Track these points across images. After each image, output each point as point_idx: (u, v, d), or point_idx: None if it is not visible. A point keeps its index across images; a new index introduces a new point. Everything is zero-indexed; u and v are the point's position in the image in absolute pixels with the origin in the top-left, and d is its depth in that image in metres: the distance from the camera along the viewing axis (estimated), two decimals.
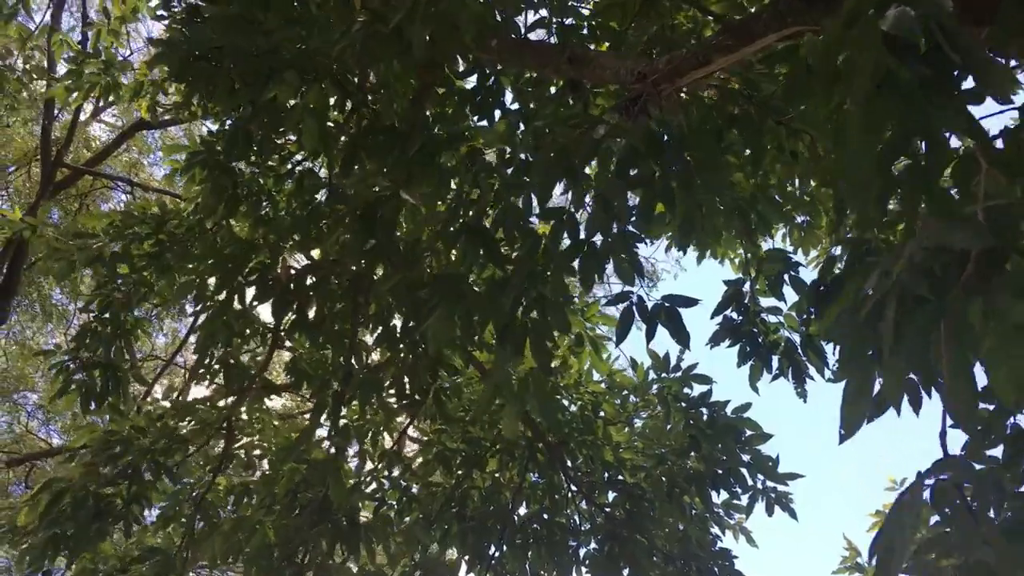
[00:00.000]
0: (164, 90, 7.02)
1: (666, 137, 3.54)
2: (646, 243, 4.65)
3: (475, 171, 3.38)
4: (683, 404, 6.33)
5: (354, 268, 6.39)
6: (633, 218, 3.68)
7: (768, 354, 4.97)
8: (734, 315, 4.92)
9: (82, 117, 10.30)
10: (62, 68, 7.19)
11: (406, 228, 4.35)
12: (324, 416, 5.97)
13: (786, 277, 4.60)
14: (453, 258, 3.83)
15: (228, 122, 6.65)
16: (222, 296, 6.24)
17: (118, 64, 6.74)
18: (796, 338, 4.99)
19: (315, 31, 4.48)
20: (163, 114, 7.57)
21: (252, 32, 4.98)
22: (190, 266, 6.63)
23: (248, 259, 6.22)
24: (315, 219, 6.35)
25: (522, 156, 3.28)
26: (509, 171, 3.40)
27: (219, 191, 6.63)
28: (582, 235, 3.60)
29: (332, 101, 5.40)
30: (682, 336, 3.53)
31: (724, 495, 6.80)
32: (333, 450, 6.01)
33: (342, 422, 6.22)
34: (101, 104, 10.09)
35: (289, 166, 6.96)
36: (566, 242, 3.63)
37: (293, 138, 6.90)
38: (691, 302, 3.54)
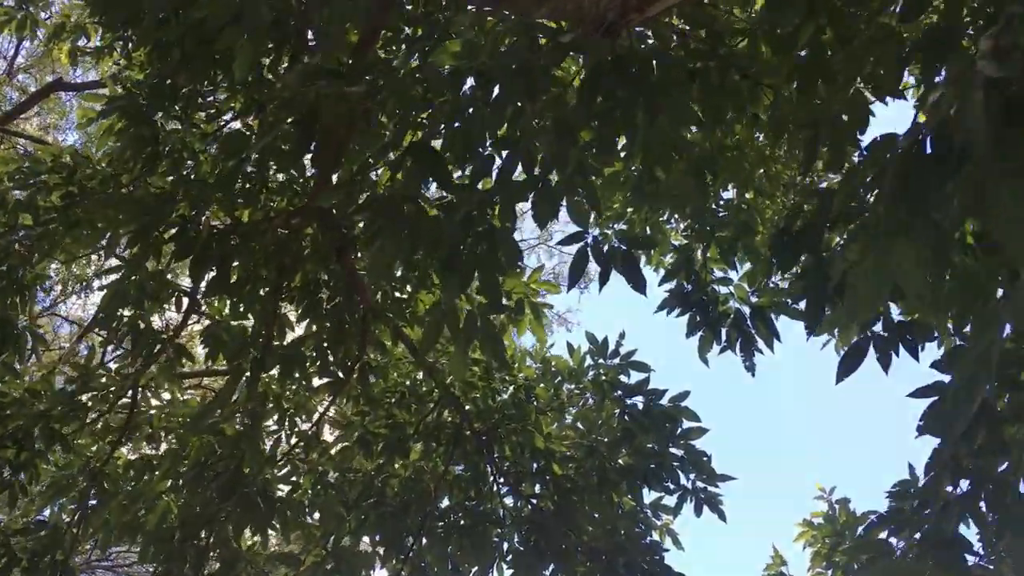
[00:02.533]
0: (87, 33, 6.56)
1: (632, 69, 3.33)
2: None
3: (425, 87, 3.10)
4: (619, 392, 6.10)
5: (281, 231, 6.03)
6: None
7: (718, 325, 4.78)
8: (684, 283, 4.73)
9: None
10: None
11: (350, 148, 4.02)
12: (240, 383, 5.56)
13: (740, 244, 4.43)
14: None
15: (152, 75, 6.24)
16: (135, 250, 5.80)
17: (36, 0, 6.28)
18: (746, 310, 4.83)
19: None
20: (85, 64, 7.09)
21: None
22: (100, 224, 6.15)
23: (166, 214, 5.79)
24: (242, 178, 5.98)
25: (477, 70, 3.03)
26: (463, 89, 3.14)
27: (138, 144, 6.20)
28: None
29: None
30: (638, 282, 3.31)
31: (654, 494, 6.62)
32: (248, 420, 5.59)
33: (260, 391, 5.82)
34: (15, 49, 9.55)
35: (217, 125, 6.58)
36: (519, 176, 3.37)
37: (223, 97, 6.52)
38: (649, 245, 3.32)
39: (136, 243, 5.83)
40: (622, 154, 4.25)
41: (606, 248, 3.34)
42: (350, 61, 4.71)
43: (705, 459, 6.41)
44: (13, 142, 9.46)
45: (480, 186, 3.17)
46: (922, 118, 1.72)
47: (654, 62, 3.33)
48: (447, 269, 2.96)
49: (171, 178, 6.24)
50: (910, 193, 1.57)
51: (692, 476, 6.53)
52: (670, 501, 6.60)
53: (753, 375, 4.81)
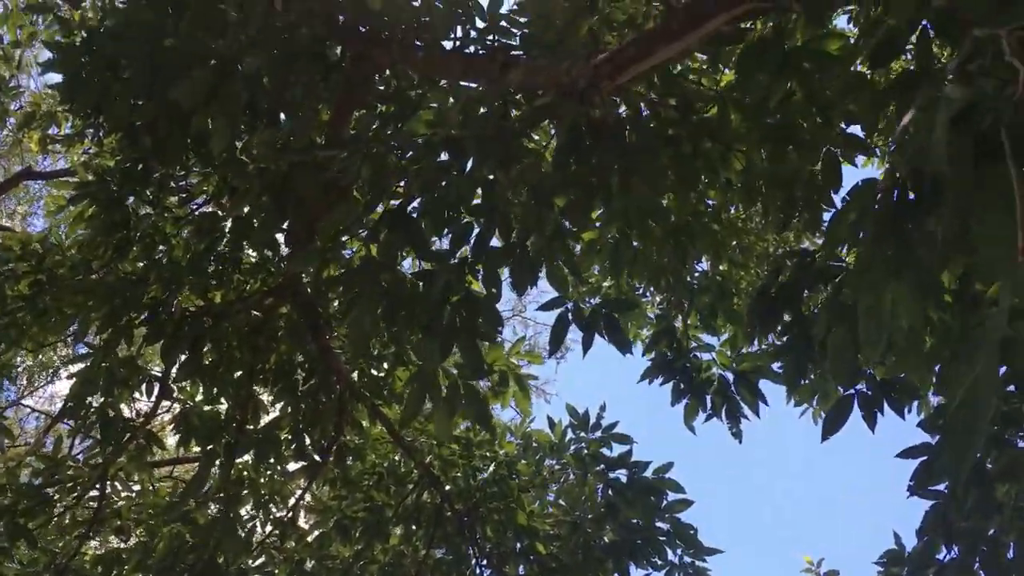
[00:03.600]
0: (57, 122, 6.56)
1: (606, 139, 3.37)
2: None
3: (399, 155, 3.09)
4: (602, 466, 6.00)
5: (255, 312, 5.95)
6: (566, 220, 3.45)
7: (702, 392, 4.74)
8: (666, 351, 4.70)
9: None
10: None
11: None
12: (212, 469, 5.40)
13: (719, 310, 4.42)
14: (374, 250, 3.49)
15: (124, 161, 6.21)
16: (105, 336, 5.69)
17: (7, 89, 6.28)
18: (729, 376, 4.79)
19: (229, 35, 4.18)
20: (55, 152, 7.07)
21: (158, 35, 4.65)
22: (69, 311, 6.04)
23: (137, 298, 5.70)
24: (214, 259, 5.93)
25: (452, 133, 3.03)
26: (438, 157, 3.14)
27: (109, 229, 6.14)
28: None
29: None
30: (622, 343, 3.27)
31: (641, 572, 6.46)
32: (222, 507, 5.41)
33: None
34: None
35: (190, 209, 6.54)
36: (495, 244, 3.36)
37: (195, 181, 6.50)
38: (631, 305, 3.29)
39: (106, 328, 5.73)
40: (597, 223, 4.26)
41: (588, 312, 3.31)
42: (322, 140, 4.75)
43: (692, 532, 6.29)
44: None
45: (458, 254, 3.15)
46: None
47: (627, 128, 3.36)
48: (427, 336, 2.91)
49: (142, 263, 6.18)
50: (894, 232, 1.57)
51: (679, 551, 6.40)
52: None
53: (740, 441, 4.75)
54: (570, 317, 3.32)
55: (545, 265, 3.30)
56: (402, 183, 3.21)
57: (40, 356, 10.00)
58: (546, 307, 3.38)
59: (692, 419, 4.86)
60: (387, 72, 4.61)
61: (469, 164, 3.06)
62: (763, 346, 4.55)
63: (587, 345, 3.29)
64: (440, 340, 2.92)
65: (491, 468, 6.28)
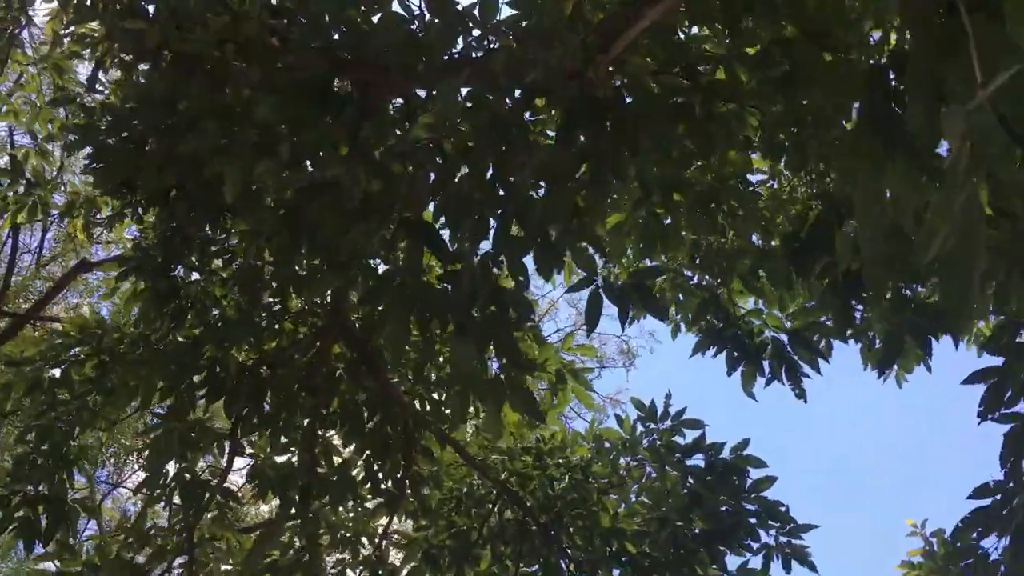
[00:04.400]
0: (97, 207, 6.76)
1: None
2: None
3: (404, 158, 3.10)
4: (678, 455, 5.88)
5: (305, 360, 6.00)
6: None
7: (757, 357, 4.61)
8: (714, 321, 4.59)
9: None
10: None
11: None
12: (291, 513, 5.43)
13: (761, 271, 4.31)
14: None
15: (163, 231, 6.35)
16: (169, 401, 5.80)
17: (45, 183, 6.51)
18: (783, 337, 4.66)
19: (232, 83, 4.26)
20: (98, 234, 7.30)
21: (173, 100, 4.77)
22: (133, 383, 6.18)
23: (194, 360, 5.81)
24: (262, 310, 6.01)
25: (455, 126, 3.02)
26: (440, 158, 3.13)
27: (159, 300, 6.27)
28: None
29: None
30: (657, 309, 3.20)
31: (738, 560, 6.28)
32: (304, 551, 5.43)
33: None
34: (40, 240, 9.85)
35: (235, 267, 6.65)
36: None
37: (235, 241, 6.61)
38: (657, 272, 3.23)
39: (168, 395, 5.85)
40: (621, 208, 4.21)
41: (617, 286, 3.26)
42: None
43: (782, 509, 6.11)
44: (46, 328, 9.70)
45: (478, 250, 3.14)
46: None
47: (627, 99, 3.31)
48: (458, 336, 2.89)
49: (198, 329, 6.29)
50: (882, 114, 1.49)
51: (773, 532, 6.23)
52: (756, 562, 6.29)
53: (805, 401, 4.61)
54: (602, 294, 3.26)
55: (569, 247, 3.26)
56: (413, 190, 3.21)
57: (122, 438, 10.26)
58: (575, 288, 3.34)
59: (751, 386, 4.73)
60: (394, 95, 4.63)
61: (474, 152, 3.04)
62: (809, 303, 4.41)
63: (623, 317, 3.23)
64: (474, 338, 2.89)
65: (567, 475, 6.20)
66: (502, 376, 3.20)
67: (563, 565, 6.52)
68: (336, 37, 4.40)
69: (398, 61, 4.17)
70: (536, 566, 6.59)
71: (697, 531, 6.18)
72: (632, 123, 3.19)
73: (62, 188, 6.75)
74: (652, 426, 5.99)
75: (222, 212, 5.88)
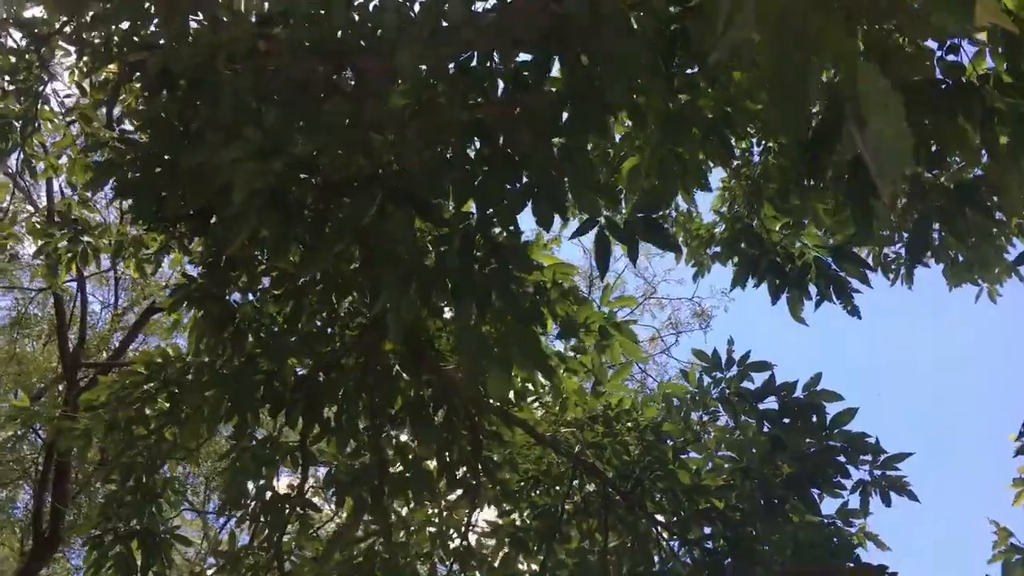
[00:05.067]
0: (145, 243, 6.92)
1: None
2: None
3: (382, 126, 3.01)
4: (750, 401, 5.66)
5: (358, 360, 5.99)
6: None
7: (801, 281, 4.38)
8: (750, 251, 4.38)
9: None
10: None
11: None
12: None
13: (791, 191, 4.09)
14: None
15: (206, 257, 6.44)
16: (234, 423, 5.88)
17: (92, 229, 6.69)
18: (825, 256, 4.41)
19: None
20: (152, 270, 7.47)
21: (184, 125, 4.82)
22: (201, 410, 6.29)
23: (251, 377, 5.87)
24: (308, 319, 6.03)
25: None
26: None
27: (217, 326, 6.36)
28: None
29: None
30: (669, 242, 3.05)
31: (834, 504, 6.02)
32: (381, 548, 5.43)
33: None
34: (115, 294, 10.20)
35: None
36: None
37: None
38: (660, 201, 3.07)
39: (232, 416, 5.93)
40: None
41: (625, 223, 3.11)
42: None
43: (870, 441, 5.83)
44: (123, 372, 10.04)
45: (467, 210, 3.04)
46: None
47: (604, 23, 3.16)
48: (458, 297, 2.80)
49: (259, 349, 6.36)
50: None
51: (865, 467, 5.96)
52: (854, 502, 6.02)
53: (860, 317, 4.36)
54: (607, 234, 3.12)
55: (571, 190, 3.13)
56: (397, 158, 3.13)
57: (203, 464, 10.55)
58: (580, 232, 3.20)
59: (799, 310, 4.50)
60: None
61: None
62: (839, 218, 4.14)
63: (633, 254, 3.07)
64: (474, 296, 2.80)
65: (639, 439, 6.05)
66: (509, 333, 3.09)
67: (654, 531, 6.38)
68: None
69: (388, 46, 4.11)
70: (624, 535, 6.47)
71: (784, 477, 5.95)
72: (606, 55, 3.04)
73: (111, 232, 6.92)
74: (719, 375, 5.78)
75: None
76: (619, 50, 2.97)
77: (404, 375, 6.00)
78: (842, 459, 5.86)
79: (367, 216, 2.89)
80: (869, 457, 5.93)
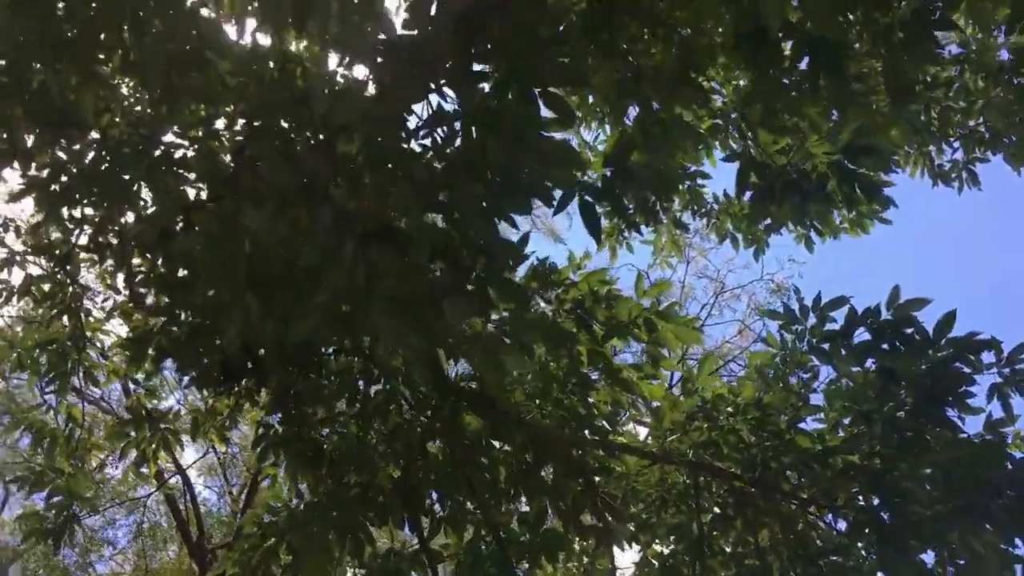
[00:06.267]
0: (218, 411, 7.03)
1: None
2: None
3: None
4: (840, 340, 5.34)
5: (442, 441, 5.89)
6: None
7: (821, 191, 4.12)
8: (756, 180, 4.16)
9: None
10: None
11: None
12: None
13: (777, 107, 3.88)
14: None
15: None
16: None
17: (164, 416, 6.85)
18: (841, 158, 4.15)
19: None
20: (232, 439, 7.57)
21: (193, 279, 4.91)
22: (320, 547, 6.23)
23: (350, 492, 5.82)
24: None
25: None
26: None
27: (311, 464, 6.38)
28: None
29: None
30: (650, 184, 2.90)
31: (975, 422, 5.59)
32: None
33: None
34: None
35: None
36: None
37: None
38: (629, 147, 2.94)
39: (344, 540, 5.86)
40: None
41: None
42: None
43: (984, 339, 5.42)
44: None
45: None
46: None
47: None
48: (449, 298, 2.67)
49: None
50: None
51: (991, 370, 5.53)
52: (996, 410, 5.57)
53: (897, 207, 4.07)
54: (588, 198, 2.98)
55: (536, 176, 3.03)
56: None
57: None
58: (561, 207, 3.06)
59: (831, 223, 4.22)
60: None
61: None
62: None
63: (619, 205, 2.91)
64: (467, 294, 2.68)
65: (746, 422, 5.74)
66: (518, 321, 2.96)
67: (800, 510, 6.00)
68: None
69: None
70: (775, 525, 6.09)
71: (908, 407, 5.55)
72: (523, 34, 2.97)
73: (182, 413, 7.07)
74: (799, 328, 5.48)
75: (310, 357, 6.01)
76: (529, 21, 2.91)
77: (493, 442, 5.88)
78: (962, 367, 5.46)
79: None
80: (992, 357, 5.52)
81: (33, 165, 5.41)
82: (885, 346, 5.31)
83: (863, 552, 5.68)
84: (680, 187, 7.42)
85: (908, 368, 5.41)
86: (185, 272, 5.01)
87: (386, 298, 2.76)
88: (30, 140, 5.36)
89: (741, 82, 4.44)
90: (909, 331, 5.28)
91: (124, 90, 5.76)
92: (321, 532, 5.91)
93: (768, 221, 7.28)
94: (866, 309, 5.24)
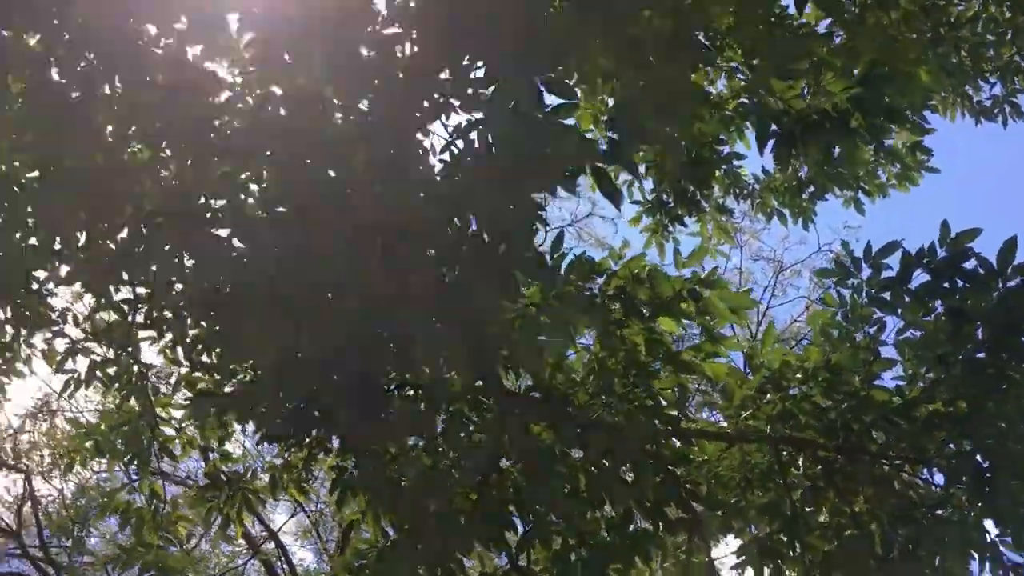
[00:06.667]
0: (294, 464, 7.08)
1: None
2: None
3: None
4: (899, 287, 5.19)
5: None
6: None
7: (843, 126, 3.99)
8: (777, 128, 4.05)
9: None
10: None
11: None
12: None
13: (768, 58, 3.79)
14: None
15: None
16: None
17: (243, 478, 6.93)
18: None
19: None
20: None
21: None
22: None
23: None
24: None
25: None
26: None
27: (389, 502, 6.38)
28: None
29: None
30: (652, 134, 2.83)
31: None
32: None
33: None
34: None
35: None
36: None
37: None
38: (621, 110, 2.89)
39: (434, 572, 5.81)
40: None
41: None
42: None
43: None
44: None
45: None
46: None
47: None
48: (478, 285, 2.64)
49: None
50: None
51: None
52: None
53: (933, 128, 3.92)
54: (598, 165, 2.93)
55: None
56: None
57: None
58: (570, 183, 3.00)
59: (864, 154, 4.08)
60: None
61: None
62: None
63: (630, 166, 2.84)
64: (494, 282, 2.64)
65: (818, 386, 5.58)
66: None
67: (896, 469, 5.79)
68: None
69: None
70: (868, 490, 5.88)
71: (985, 345, 5.33)
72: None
73: (259, 473, 7.15)
74: (855, 282, 5.33)
75: (374, 398, 6.04)
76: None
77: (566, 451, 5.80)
78: None
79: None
80: None
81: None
82: (947, 285, 5.13)
83: (966, 502, 5.45)
84: (717, 172, 7.35)
85: (977, 303, 5.22)
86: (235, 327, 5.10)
87: (413, 297, 2.75)
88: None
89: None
90: (970, 266, 5.09)
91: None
92: (411, 568, 5.88)
93: (811, 189, 7.16)
94: (919, 250, 5.08)
